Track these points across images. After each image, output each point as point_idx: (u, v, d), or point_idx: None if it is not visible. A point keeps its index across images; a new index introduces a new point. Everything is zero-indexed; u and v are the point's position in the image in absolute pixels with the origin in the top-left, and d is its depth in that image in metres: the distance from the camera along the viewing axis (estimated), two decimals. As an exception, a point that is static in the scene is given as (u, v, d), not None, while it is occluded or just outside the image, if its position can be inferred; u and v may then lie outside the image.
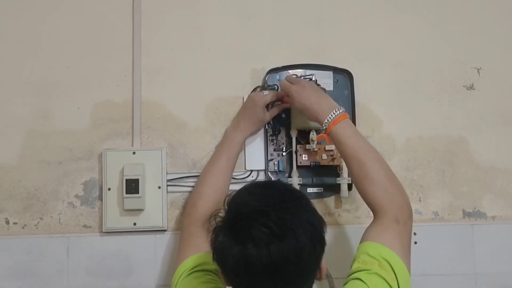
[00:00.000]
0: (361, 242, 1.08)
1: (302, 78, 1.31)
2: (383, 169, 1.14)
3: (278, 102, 1.32)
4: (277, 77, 1.36)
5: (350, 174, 1.18)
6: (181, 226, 1.28)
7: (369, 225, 1.11)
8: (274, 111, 1.32)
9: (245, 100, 1.34)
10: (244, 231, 0.85)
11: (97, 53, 1.36)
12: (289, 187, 0.99)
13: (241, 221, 0.86)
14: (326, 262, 1.27)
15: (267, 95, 1.30)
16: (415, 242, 1.35)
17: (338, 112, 1.16)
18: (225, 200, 0.94)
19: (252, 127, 1.31)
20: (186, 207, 1.29)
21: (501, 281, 1.37)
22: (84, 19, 1.37)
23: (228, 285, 0.94)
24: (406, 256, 1.05)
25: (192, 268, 1.11)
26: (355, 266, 1.02)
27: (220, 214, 0.92)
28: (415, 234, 1.35)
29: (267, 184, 1.01)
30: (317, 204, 1.35)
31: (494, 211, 1.40)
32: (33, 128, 1.33)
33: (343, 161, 1.30)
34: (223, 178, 1.27)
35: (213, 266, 1.06)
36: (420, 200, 1.38)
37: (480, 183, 1.41)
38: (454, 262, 1.37)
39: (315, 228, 0.89)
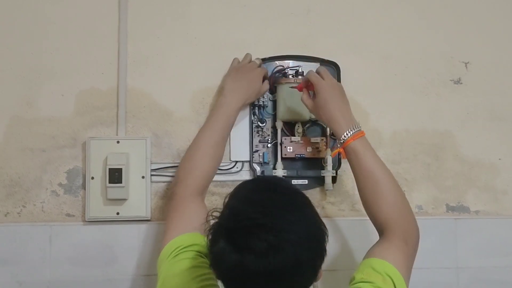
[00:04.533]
0: (367, 257, 1.06)
1: (287, 68, 1.32)
2: (398, 191, 1.14)
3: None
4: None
5: (361, 190, 1.14)
6: (172, 196, 1.22)
7: (376, 243, 1.10)
8: (266, 86, 1.32)
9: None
10: (243, 242, 0.83)
11: (82, 40, 1.34)
12: (291, 191, 0.93)
13: (241, 231, 0.84)
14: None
15: (266, 69, 1.32)
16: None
17: (358, 128, 1.14)
18: (224, 200, 0.91)
19: (250, 96, 1.29)
20: (181, 174, 1.23)
21: (483, 276, 1.38)
22: (69, 5, 1.35)
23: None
24: (408, 278, 1.04)
25: (187, 247, 1.08)
26: (359, 276, 1.01)
27: (216, 213, 0.89)
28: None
29: (269, 188, 0.92)
30: (301, 196, 1.35)
31: (477, 205, 1.41)
32: (17, 115, 1.32)
33: (328, 153, 1.30)
34: (220, 148, 1.26)
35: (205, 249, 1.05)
36: (404, 194, 1.38)
37: (465, 177, 1.41)
38: (437, 256, 1.37)
39: (316, 241, 0.87)
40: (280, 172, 1.31)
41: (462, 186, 1.41)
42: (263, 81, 1.32)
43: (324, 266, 1.06)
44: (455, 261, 1.38)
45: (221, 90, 1.32)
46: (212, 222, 0.89)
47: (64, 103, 1.33)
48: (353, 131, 1.13)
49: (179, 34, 1.36)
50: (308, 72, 1.23)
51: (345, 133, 1.13)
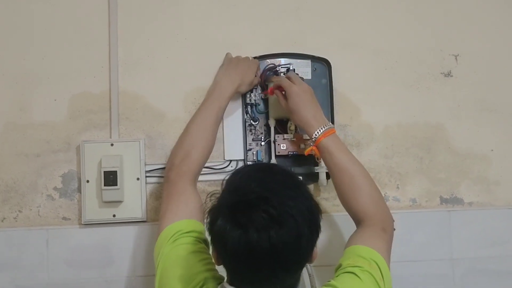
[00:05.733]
0: (349, 245, 1.10)
1: (278, 66, 1.34)
2: (372, 183, 1.18)
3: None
4: (256, 67, 1.36)
5: (337, 185, 1.18)
6: (166, 180, 1.23)
7: (356, 232, 1.14)
8: (257, 79, 1.34)
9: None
10: (245, 216, 0.85)
11: (73, 44, 1.35)
12: (289, 172, 0.99)
13: (242, 206, 0.86)
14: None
15: (258, 61, 1.33)
16: (393, 229, 1.36)
17: (329, 125, 1.19)
18: (222, 181, 0.94)
19: (243, 84, 1.30)
20: (174, 159, 1.24)
21: (478, 266, 1.39)
22: (60, 9, 1.35)
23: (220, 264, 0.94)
24: (389, 261, 1.09)
25: (186, 233, 1.10)
26: (346, 263, 1.04)
27: (216, 195, 0.92)
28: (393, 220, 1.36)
29: (268, 168, 0.99)
30: (296, 193, 1.36)
31: (471, 197, 1.42)
32: (10, 120, 1.33)
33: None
34: (213, 132, 1.27)
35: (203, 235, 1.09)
36: (398, 188, 1.40)
37: (458, 169, 1.42)
38: (431, 248, 1.39)
39: (313, 216, 0.91)
40: (274, 169, 1.32)
41: (455, 178, 1.42)
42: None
43: (319, 261, 1.07)
44: (449, 253, 1.39)
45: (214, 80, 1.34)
46: (210, 204, 0.91)
47: (57, 108, 1.33)
48: (324, 129, 1.18)
49: (170, 36, 1.37)
50: (279, 78, 1.27)
51: (316, 132, 1.18)
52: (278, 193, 0.87)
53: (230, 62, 1.33)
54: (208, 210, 0.91)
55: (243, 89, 1.32)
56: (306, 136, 1.32)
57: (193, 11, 1.38)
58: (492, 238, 1.40)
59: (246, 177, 0.92)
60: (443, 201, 1.41)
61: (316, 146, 1.19)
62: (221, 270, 0.96)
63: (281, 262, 0.87)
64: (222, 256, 0.91)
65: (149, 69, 1.36)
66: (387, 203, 1.37)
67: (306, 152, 1.24)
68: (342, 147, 1.19)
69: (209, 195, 0.93)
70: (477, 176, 1.43)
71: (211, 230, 0.90)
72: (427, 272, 1.38)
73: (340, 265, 1.05)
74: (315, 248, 0.94)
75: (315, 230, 0.91)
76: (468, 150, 1.43)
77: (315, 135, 1.18)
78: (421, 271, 1.37)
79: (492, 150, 1.43)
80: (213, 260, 1.03)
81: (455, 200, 1.41)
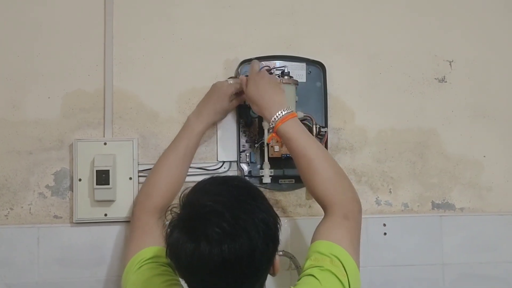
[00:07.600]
0: (312, 241, 1.09)
1: (273, 68, 1.32)
2: (332, 166, 1.15)
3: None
4: (250, 68, 1.36)
5: (299, 171, 1.17)
6: (132, 216, 1.25)
7: (319, 223, 1.12)
8: (237, 101, 1.31)
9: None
10: (198, 230, 0.86)
11: (68, 42, 1.34)
12: (246, 184, 0.98)
13: (196, 220, 0.87)
14: (298, 252, 1.30)
15: (233, 85, 1.28)
16: (385, 233, 1.37)
17: (286, 111, 1.15)
18: (180, 195, 0.94)
19: (215, 117, 1.30)
20: (139, 195, 1.26)
21: (468, 272, 1.40)
22: (55, 8, 1.35)
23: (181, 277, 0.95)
24: (356, 251, 1.07)
25: (149, 259, 1.11)
26: (308, 263, 1.03)
27: (175, 209, 0.93)
28: (384, 225, 1.37)
29: (224, 181, 0.97)
30: (288, 195, 1.36)
31: (462, 202, 1.42)
32: (3, 117, 1.32)
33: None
34: (180, 169, 1.26)
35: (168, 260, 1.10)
36: (390, 192, 1.40)
37: (450, 175, 1.43)
38: (423, 253, 1.39)
39: (269, 228, 0.91)
40: (267, 171, 1.31)
41: (447, 184, 1.42)
42: (236, 96, 1.30)
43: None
44: (440, 258, 1.40)
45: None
46: (170, 218, 0.93)
47: (50, 106, 1.33)
48: (282, 114, 1.15)
49: (165, 36, 1.37)
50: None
51: (272, 118, 1.15)
52: (233, 206, 0.88)
53: (207, 94, 1.31)
54: (168, 223, 0.92)
55: (218, 119, 1.32)
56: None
57: (188, 12, 1.38)
58: (483, 243, 1.41)
59: (202, 192, 0.93)
60: (435, 206, 1.42)
61: (275, 133, 1.16)
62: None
63: (235, 275, 0.87)
64: (178, 269, 0.92)
65: (143, 68, 1.36)
66: (379, 207, 1.39)
67: (267, 140, 1.23)
68: (300, 131, 1.15)
69: (169, 209, 0.94)
70: (469, 182, 1.43)
71: (167, 242, 0.90)
72: (418, 277, 1.38)
73: (303, 267, 1.05)
74: (275, 260, 0.94)
75: (271, 242, 0.91)
76: (461, 155, 1.43)
77: (273, 121, 1.15)
78: (412, 276, 1.38)
79: (484, 156, 1.44)
80: (177, 281, 1.06)
81: (447, 205, 1.42)
